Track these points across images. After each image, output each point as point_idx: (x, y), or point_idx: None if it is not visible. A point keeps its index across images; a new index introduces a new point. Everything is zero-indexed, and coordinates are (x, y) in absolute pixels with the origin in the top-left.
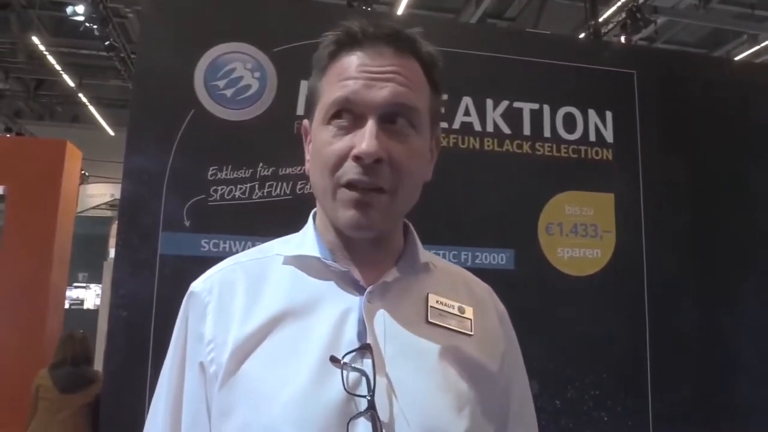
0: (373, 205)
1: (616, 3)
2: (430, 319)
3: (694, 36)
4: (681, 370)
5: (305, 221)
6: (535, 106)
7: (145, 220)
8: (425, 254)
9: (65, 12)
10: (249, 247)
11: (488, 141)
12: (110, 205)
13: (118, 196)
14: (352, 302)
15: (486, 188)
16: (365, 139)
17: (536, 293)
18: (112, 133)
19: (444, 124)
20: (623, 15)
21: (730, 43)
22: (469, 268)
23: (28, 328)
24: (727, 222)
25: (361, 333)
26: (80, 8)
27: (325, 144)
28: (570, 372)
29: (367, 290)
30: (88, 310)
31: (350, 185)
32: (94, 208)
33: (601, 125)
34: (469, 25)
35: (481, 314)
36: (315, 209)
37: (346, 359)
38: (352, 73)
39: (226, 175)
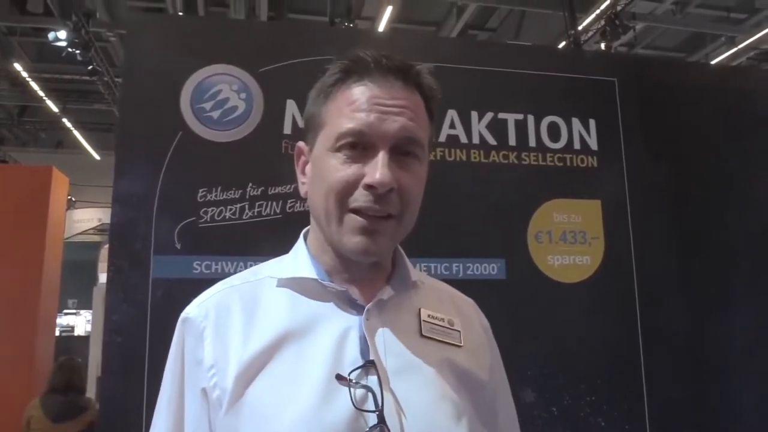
0: (380, 232)
1: (594, 11)
2: (424, 333)
3: (673, 40)
4: (675, 372)
5: (296, 239)
6: (520, 116)
7: (136, 245)
8: (414, 272)
9: (47, 38)
10: (242, 268)
11: (475, 152)
12: (98, 230)
13: (105, 220)
14: (351, 321)
15: (474, 199)
16: (378, 169)
17: (528, 301)
18: (97, 157)
19: None
20: (602, 22)
21: (708, 46)
22: (460, 280)
23: (18, 357)
24: (714, 224)
25: (364, 350)
26: (62, 33)
27: (333, 170)
28: (565, 379)
29: (366, 308)
30: (79, 336)
31: (359, 211)
32: (82, 233)
33: (585, 133)
34: (452, 39)
35: (468, 327)
36: (305, 229)
37: (352, 376)
38: (363, 104)
39: (215, 196)
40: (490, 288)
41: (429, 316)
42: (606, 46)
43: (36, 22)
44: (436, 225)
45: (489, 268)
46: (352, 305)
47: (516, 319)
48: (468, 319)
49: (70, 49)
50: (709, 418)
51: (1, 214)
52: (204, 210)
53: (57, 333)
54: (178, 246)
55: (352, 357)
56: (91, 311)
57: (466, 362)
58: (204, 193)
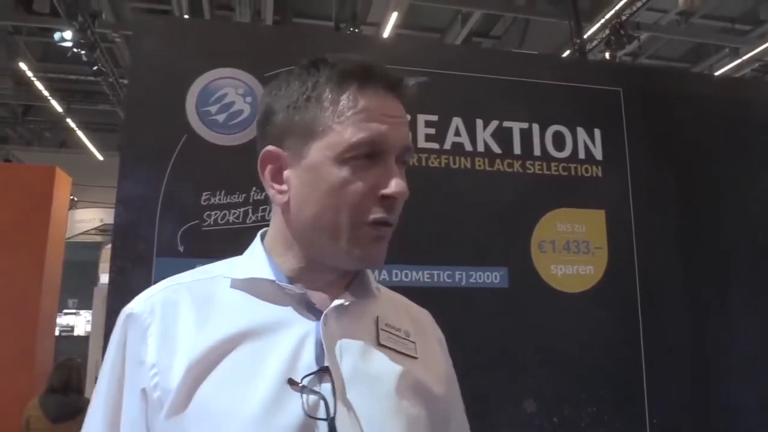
0: (387, 238)
1: (599, 20)
2: (381, 342)
3: (677, 50)
4: (677, 383)
5: None
6: (525, 125)
7: (139, 246)
8: (373, 280)
9: (53, 38)
10: None
11: (479, 160)
12: (100, 230)
13: (107, 220)
14: (308, 325)
15: (478, 207)
16: (395, 180)
17: (531, 310)
18: (100, 157)
19: (435, 145)
20: (607, 32)
21: (713, 57)
22: (463, 288)
23: (18, 357)
24: (717, 233)
25: (320, 356)
26: (68, 34)
27: (344, 183)
28: (566, 389)
29: (324, 313)
30: (78, 336)
31: (377, 223)
32: (83, 233)
33: (590, 143)
34: (458, 47)
35: (423, 339)
36: (263, 231)
37: (305, 382)
38: (375, 114)
39: (219, 200)
40: (492, 296)
41: (386, 325)
42: (610, 56)
43: (42, 21)
44: (439, 233)
45: (492, 277)
46: (310, 309)
47: (518, 328)
48: (423, 330)
49: (75, 50)
50: (712, 429)
51: (3, 213)
52: (207, 213)
53: (57, 333)
54: (181, 249)
55: (306, 362)
56: (91, 311)
57: (422, 374)
58: (208, 196)
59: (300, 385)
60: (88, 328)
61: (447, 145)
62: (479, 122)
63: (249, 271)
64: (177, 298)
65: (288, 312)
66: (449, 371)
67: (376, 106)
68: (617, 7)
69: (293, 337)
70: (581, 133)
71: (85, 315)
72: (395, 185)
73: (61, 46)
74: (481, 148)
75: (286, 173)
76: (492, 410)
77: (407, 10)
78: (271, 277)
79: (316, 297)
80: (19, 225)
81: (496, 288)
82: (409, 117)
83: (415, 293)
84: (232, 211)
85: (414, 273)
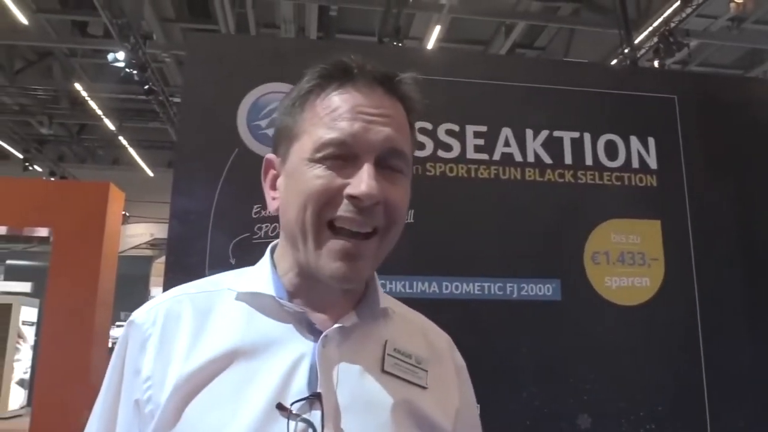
0: (362, 256)
1: (647, 28)
2: (385, 369)
3: (729, 57)
4: (740, 400)
5: None
6: (576, 134)
7: (191, 260)
8: (385, 298)
9: (106, 59)
10: None
11: (529, 171)
12: (150, 245)
13: (157, 235)
14: (306, 347)
15: (529, 218)
16: (364, 180)
17: (585, 324)
18: (151, 173)
19: (485, 156)
20: (655, 40)
21: (766, 62)
22: (514, 300)
23: (74, 367)
24: None
25: (312, 381)
26: (120, 55)
27: (312, 179)
28: (623, 405)
29: (323, 335)
30: None
31: (339, 227)
32: (134, 247)
33: (644, 151)
34: (505, 57)
35: (438, 366)
36: (273, 243)
37: (294, 408)
38: (346, 113)
39: (269, 212)
40: (544, 309)
41: (395, 350)
42: (659, 64)
43: (96, 44)
44: (490, 244)
45: (544, 289)
46: (310, 330)
47: (571, 341)
48: (440, 355)
49: (127, 70)
50: None
51: (60, 228)
52: (258, 226)
53: (109, 344)
54: (233, 261)
55: (298, 387)
56: None
57: (429, 406)
58: (258, 209)
59: (289, 410)
60: None
61: (496, 156)
62: (529, 132)
63: (252, 285)
64: (180, 310)
65: (287, 330)
66: (465, 402)
67: (352, 104)
68: (665, 15)
69: (288, 358)
70: (635, 141)
71: None
72: (363, 186)
73: (114, 66)
74: (531, 158)
75: (279, 180)
76: (545, 426)
77: (450, 23)
78: (272, 292)
79: (317, 317)
80: (75, 240)
81: (548, 300)
82: (402, 115)
83: (466, 306)
84: None
85: (465, 285)
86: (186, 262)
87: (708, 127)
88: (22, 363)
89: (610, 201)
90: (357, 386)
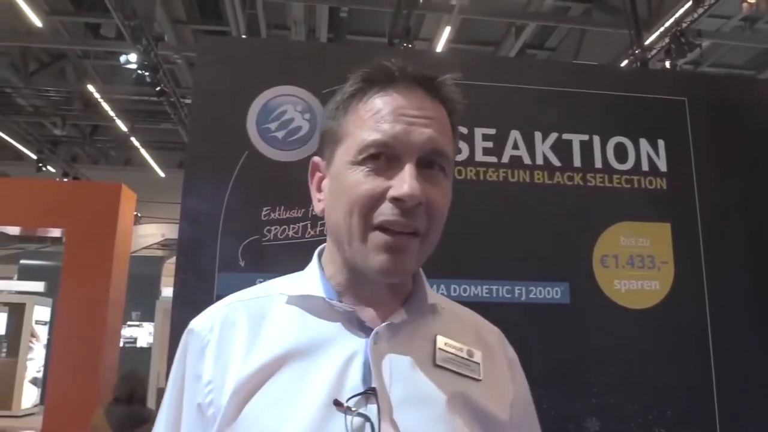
0: (406, 250)
1: (659, 28)
2: (437, 362)
3: (742, 57)
4: (750, 404)
5: None
6: (585, 137)
7: (201, 261)
8: (433, 295)
9: (118, 61)
10: None
11: (538, 174)
12: (162, 245)
13: (169, 235)
14: (358, 344)
15: (538, 221)
16: (406, 181)
17: (593, 327)
18: (162, 174)
19: (493, 159)
20: (667, 40)
21: None
22: (523, 303)
23: (86, 366)
24: None
25: (367, 376)
26: (133, 57)
27: (356, 184)
28: (632, 408)
29: (374, 331)
30: (141, 348)
31: (385, 227)
32: (146, 248)
33: (654, 154)
34: (515, 59)
35: (490, 359)
36: (320, 247)
37: (350, 403)
38: (388, 115)
39: (279, 215)
40: (553, 312)
41: (446, 344)
42: (671, 65)
43: (108, 46)
44: (498, 247)
45: (552, 292)
46: (360, 327)
47: (579, 344)
48: (491, 349)
49: (139, 72)
50: None
51: (73, 229)
52: (267, 228)
53: (120, 344)
54: (242, 263)
55: (353, 383)
56: (153, 323)
57: (484, 398)
58: (268, 211)
59: (346, 406)
60: (150, 339)
61: (505, 159)
62: (538, 135)
63: (302, 288)
64: (235, 316)
65: (338, 329)
66: (519, 393)
67: (394, 106)
68: (677, 15)
69: (340, 356)
70: (644, 144)
71: (148, 327)
72: (405, 187)
73: (126, 68)
74: (540, 161)
75: (324, 182)
76: (553, 429)
77: (460, 24)
78: (321, 293)
79: (367, 314)
80: (88, 240)
81: (557, 303)
82: (439, 118)
83: (474, 308)
84: (291, 225)
85: (473, 288)
86: (196, 263)
87: (718, 129)
88: (35, 362)
89: (619, 204)
90: (410, 380)
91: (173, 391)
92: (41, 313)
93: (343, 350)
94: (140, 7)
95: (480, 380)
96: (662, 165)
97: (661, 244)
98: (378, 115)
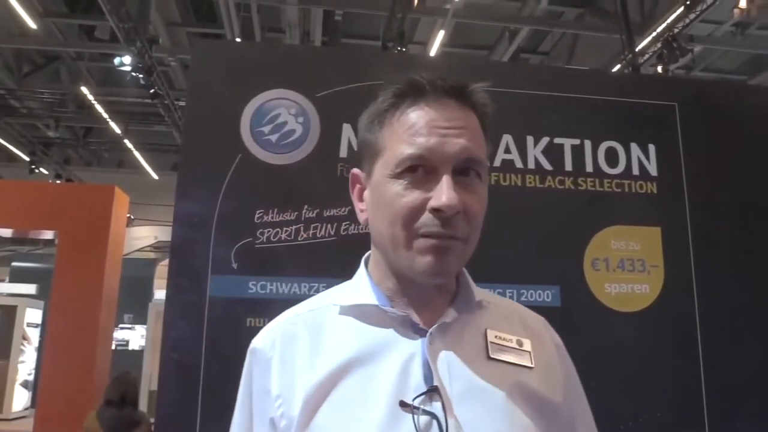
0: (450, 251)
1: (651, 33)
2: (491, 355)
3: (733, 63)
4: (738, 407)
5: (349, 261)
6: (576, 141)
7: (194, 263)
8: (478, 291)
9: (112, 63)
10: (296, 289)
11: (530, 178)
12: (154, 247)
13: (162, 238)
14: (414, 346)
15: (529, 225)
16: (444, 192)
17: (584, 330)
18: (155, 176)
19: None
20: (659, 45)
21: None
22: None
23: (78, 369)
24: None
25: (427, 376)
26: (127, 59)
27: (397, 197)
28: (623, 411)
29: (429, 332)
30: (133, 350)
31: (428, 235)
32: (139, 250)
33: (644, 158)
34: (507, 63)
35: (539, 346)
36: (366, 254)
37: (416, 403)
38: (422, 128)
39: (272, 218)
40: (544, 315)
41: (496, 336)
42: (663, 69)
43: (102, 48)
44: (490, 250)
45: (543, 295)
46: (414, 330)
47: (570, 347)
48: (538, 337)
49: (133, 74)
50: None
51: (66, 231)
52: (260, 231)
53: (112, 346)
54: (235, 266)
55: (416, 383)
56: (145, 326)
57: (538, 384)
58: (261, 214)
59: (412, 406)
60: (142, 342)
61: (497, 163)
62: (530, 139)
63: (354, 297)
64: (294, 330)
65: (392, 333)
66: (569, 377)
67: (426, 120)
68: (669, 20)
69: (399, 359)
70: (635, 148)
71: (140, 330)
72: (444, 198)
73: (120, 70)
74: (531, 165)
75: (365, 193)
76: None
77: (454, 28)
78: (374, 301)
79: (419, 317)
80: (80, 242)
81: (548, 306)
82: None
83: None
84: (285, 228)
85: None
86: (189, 265)
87: (708, 134)
88: (26, 365)
89: (610, 208)
90: (467, 376)
91: (243, 408)
92: (33, 315)
93: (401, 353)
94: (135, 9)
95: (532, 368)
96: (653, 169)
97: (652, 247)
98: (412, 129)
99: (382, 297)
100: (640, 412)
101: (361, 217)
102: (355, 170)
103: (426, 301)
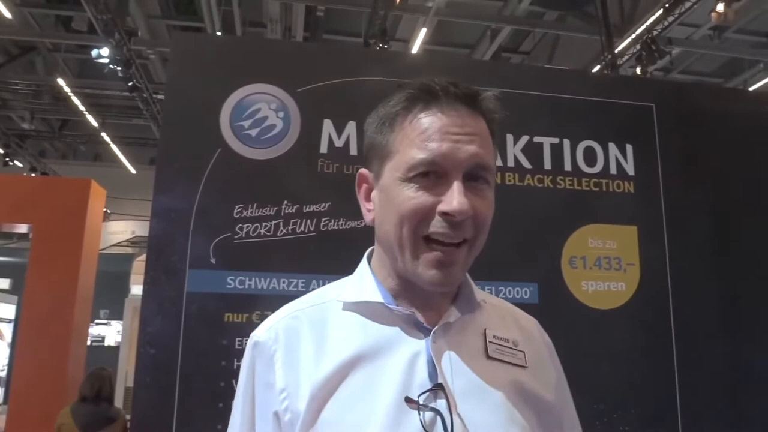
0: (455, 263)
1: (630, 35)
2: (490, 354)
3: (710, 65)
4: (711, 402)
5: (329, 257)
6: (555, 140)
7: (172, 258)
8: (478, 292)
9: (90, 54)
10: (275, 284)
11: (509, 176)
12: (131, 242)
13: (139, 233)
14: (419, 344)
15: (508, 223)
16: (455, 198)
17: (561, 327)
18: (133, 170)
19: None
20: (638, 47)
21: (747, 72)
22: None
23: (51, 365)
24: (754, 252)
25: (432, 373)
26: (105, 51)
27: (407, 200)
28: (598, 407)
29: (433, 331)
30: (109, 347)
31: (434, 239)
32: (115, 245)
33: (622, 158)
34: (488, 62)
35: (532, 346)
36: (369, 251)
37: (421, 399)
38: (435, 134)
39: (251, 213)
40: None
41: (494, 336)
42: (641, 71)
43: (80, 39)
44: None
45: (521, 292)
46: (418, 328)
47: None
48: (531, 337)
49: (111, 66)
50: None
51: (40, 225)
52: (239, 226)
53: (88, 342)
54: (213, 261)
55: (421, 380)
56: (121, 322)
57: (532, 383)
58: (240, 209)
59: (417, 402)
60: (118, 338)
61: None
62: (509, 137)
63: (359, 294)
64: (297, 325)
65: (396, 332)
66: (558, 375)
67: (439, 126)
68: (648, 22)
69: (404, 356)
70: (613, 148)
71: (116, 326)
72: (455, 203)
73: (98, 62)
74: (511, 163)
75: (372, 193)
76: None
77: (436, 26)
78: (380, 299)
79: (422, 315)
80: (55, 237)
81: (525, 304)
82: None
83: None
84: (264, 224)
85: None
86: (167, 260)
87: (685, 134)
88: None
89: (588, 206)
90: (469, 373)
91: (245, 402)
92: (6, 310)
93: (406, 350)
94: (113, 0)
95: (526, 367)
96: (630, 169)
97: (628, 246)
98: (425, 134)
99: (387, 295)
100: (615, 408)
101: (368, 216)
102: (363, 170)
103: (429, 301)
